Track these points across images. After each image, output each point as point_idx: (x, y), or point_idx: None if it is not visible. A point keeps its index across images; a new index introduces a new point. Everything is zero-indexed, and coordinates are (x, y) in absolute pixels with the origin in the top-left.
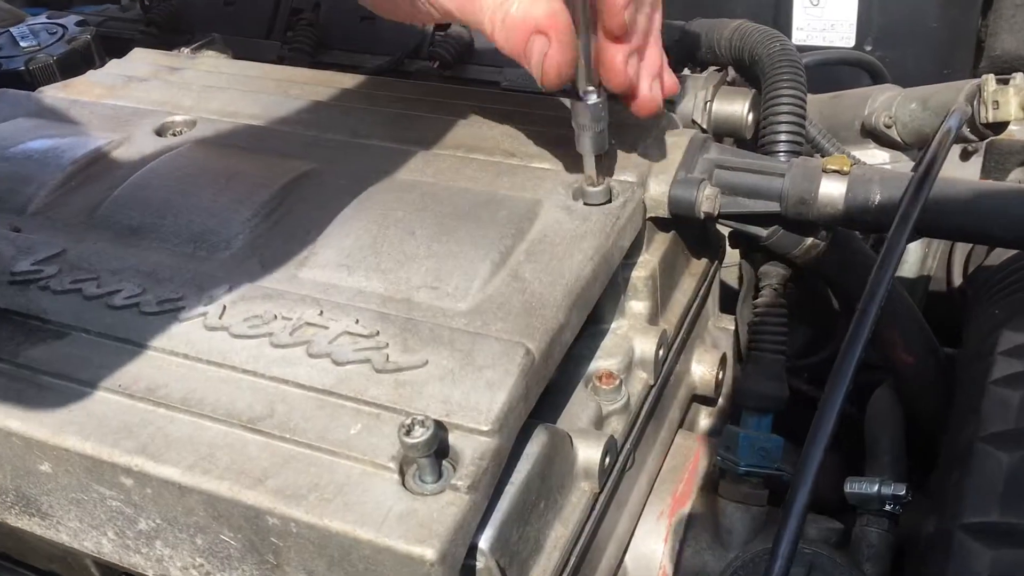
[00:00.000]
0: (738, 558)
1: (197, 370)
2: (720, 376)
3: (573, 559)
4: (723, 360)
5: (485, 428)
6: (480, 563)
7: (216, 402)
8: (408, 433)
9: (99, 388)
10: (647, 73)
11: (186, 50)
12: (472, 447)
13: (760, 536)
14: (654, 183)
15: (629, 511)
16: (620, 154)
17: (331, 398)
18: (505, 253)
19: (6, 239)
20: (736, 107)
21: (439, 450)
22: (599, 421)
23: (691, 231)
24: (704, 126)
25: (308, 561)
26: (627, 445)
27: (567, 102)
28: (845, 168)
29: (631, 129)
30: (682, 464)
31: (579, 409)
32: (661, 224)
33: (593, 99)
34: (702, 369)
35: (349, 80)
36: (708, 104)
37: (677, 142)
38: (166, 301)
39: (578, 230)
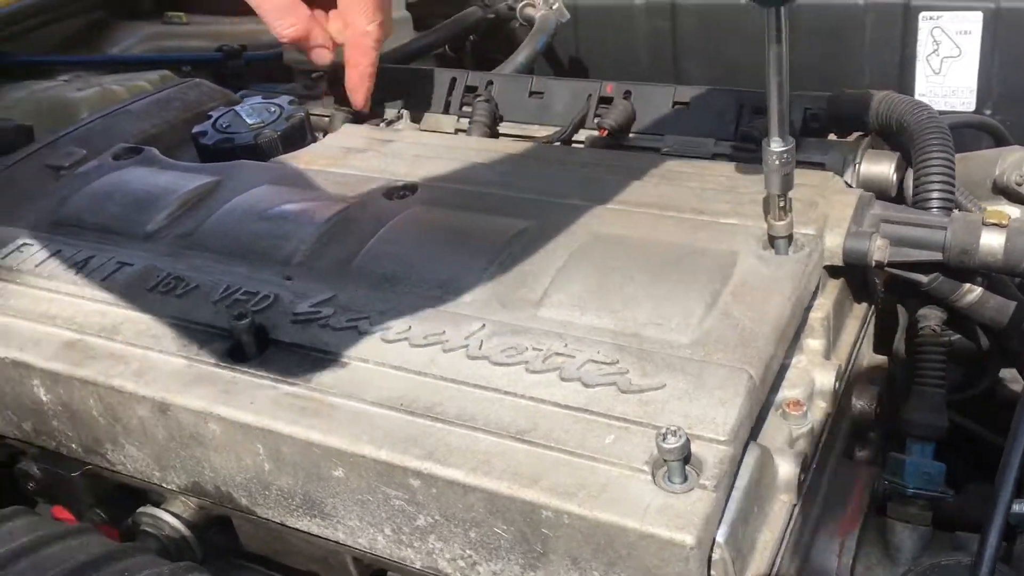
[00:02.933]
0: (910, 571)
1: (464, 392)
2: (877, 410)
3: (778, 561)
4: (880, 396)
5: (723, 438)
6: (716, 555)
7: (486, 418)
8: (665, 440)
9: (383, 407)
10: None
11: (382, 123)
12: (713, 454)
13: (926, 553)
14: (830, 236)
15: (808, 528)
16: (799, 209)
17: (584, 415)
18: (715, 295)
19: (282, 287)
20: (883, 168)
21: (685, 456)
22: (791, 442)
23: (854, 278)
24: (853, 185)
25: (574, 549)
26: (812, 465)
27: (730, 165)
28: (1004, 221)
29: (807, 188)
30: (847, 489)
31: (774, 432)
32: (833, 272)
33: (780, 146)
34: (862, 403)
35: (538, 148)
36: (857, 166)
37: (847, 200)
38: (431, 336)
39: (774, 275)
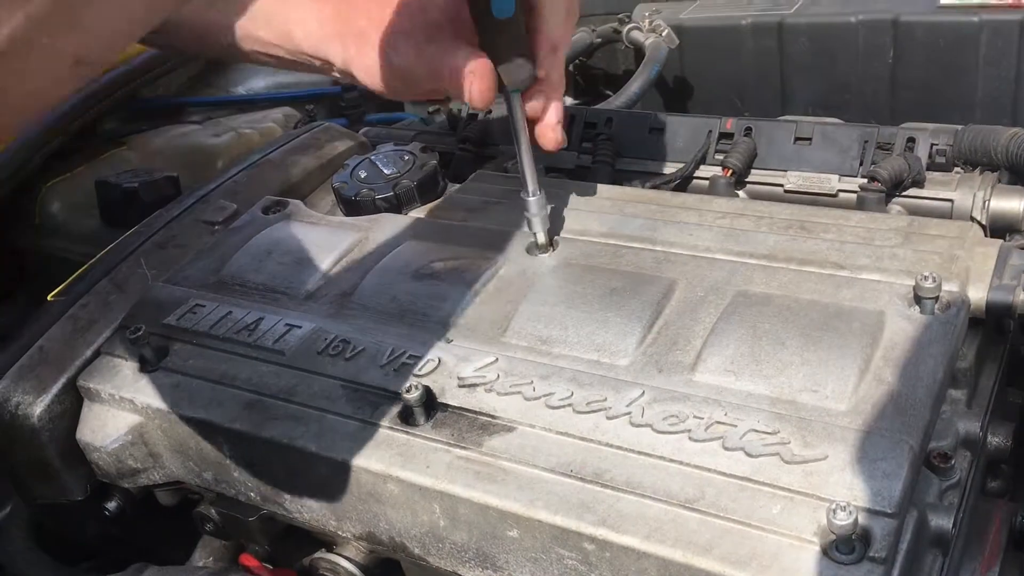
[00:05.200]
0: None
1: (630, 459)
2: (1012, 446)
3: None
4: (1016, 430)
5: (891, 511)
6: None
7: (654, 485)
8: (835, 515)
9: (554, 472)
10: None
11: (509, 165)
12: (880, 526)
13: None
14: (972, 290)
15: (951, 568)
16: (941, 264)
17: (750, 484)
18: (867, 360)
19: (445, 349)
20: (1013, 203)
21: (855, 531)
22: (940, 496)
23: (991, 323)
24: (982, 221)
25: None
26: (962, 517)
27: (864, 215)
28: None
29: (946, 240)
30: (985, 526)
31: (924, 486)
32: (973, 322)
33: (540, 195)
34: (997, 440)
35: (672, 198)
36: (986, 202)
37: (987, 252)
38: (593, 402)
39: (924, 337)
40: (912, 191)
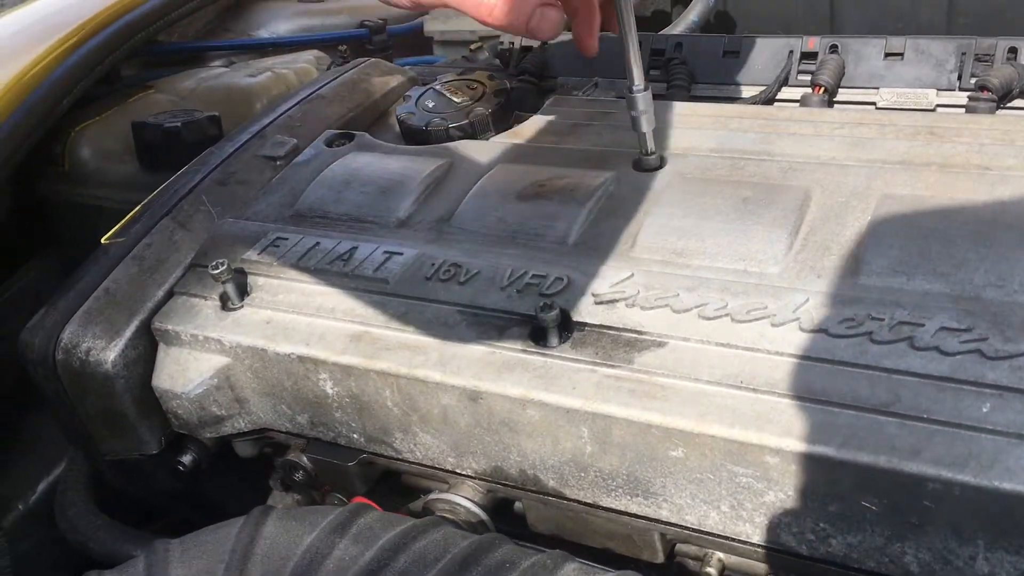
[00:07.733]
0: None
1: (806, 367)
2: None
3: None
4: None
5: None
6: None
7: (839, 392)
8: None
9: (721, 385)
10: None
11: (579, 93)
12: None
13: None
14: None
15: None
16: None
17: (949, 384)
18: None
19: (571, 268)
20: None
21: None
22: None
23: None
24: None
25: (959, 520)
26: None
27: (995, 117)
28: None
29: None
30: None
31: None
32: None
33: (647, 90)
34: None
35: (779, 112)
36: None
37: None
38: (754, 310)
39: None
40: (1019, 101)
